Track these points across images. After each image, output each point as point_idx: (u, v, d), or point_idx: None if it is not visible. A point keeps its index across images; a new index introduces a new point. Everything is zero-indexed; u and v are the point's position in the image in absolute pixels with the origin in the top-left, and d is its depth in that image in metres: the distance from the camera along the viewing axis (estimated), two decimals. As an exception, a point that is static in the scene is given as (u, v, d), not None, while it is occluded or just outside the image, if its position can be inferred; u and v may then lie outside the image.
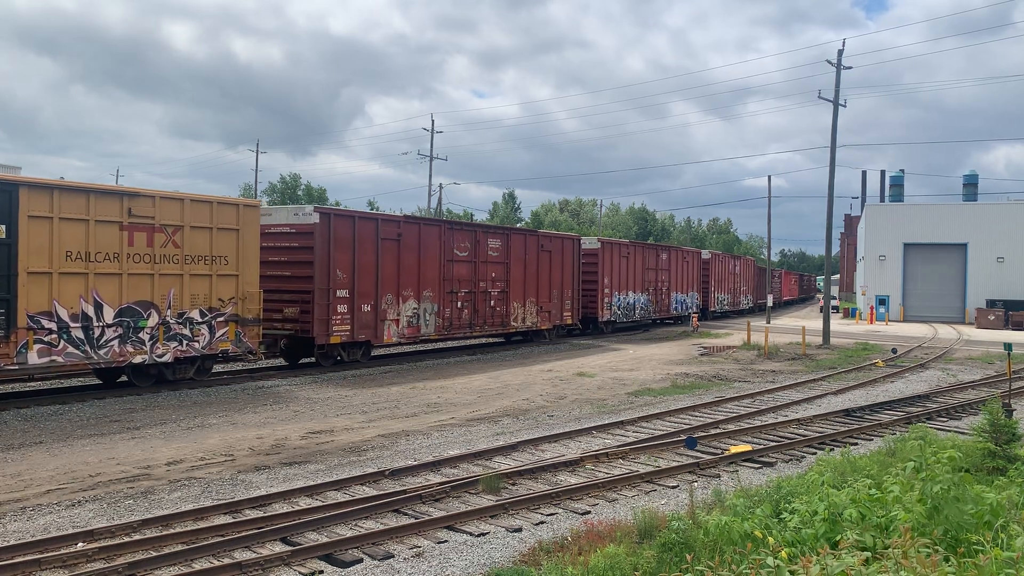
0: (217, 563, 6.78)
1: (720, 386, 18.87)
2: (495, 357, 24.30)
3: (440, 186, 67.80)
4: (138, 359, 15.00)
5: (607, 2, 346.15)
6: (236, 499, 8.64)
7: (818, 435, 12.63)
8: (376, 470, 9.98)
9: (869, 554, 4.89)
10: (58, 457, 10.73)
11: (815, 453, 11.57)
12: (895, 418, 14.26)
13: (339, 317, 19.33)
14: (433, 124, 54.44)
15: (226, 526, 7.74)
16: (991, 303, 47.61)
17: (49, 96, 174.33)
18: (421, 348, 25.90)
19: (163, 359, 15.42)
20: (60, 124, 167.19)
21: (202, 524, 7.81)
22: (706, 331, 36.25)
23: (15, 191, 13.24)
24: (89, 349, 14.18)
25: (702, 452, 11.51)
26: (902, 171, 65.05)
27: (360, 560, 7.10)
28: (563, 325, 29.23)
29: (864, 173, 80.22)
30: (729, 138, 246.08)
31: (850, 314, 55.87)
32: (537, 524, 8.21)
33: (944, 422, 14.29)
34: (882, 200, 65.63)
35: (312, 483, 9.32)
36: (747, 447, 11.63)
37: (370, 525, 7.96)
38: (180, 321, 15.58)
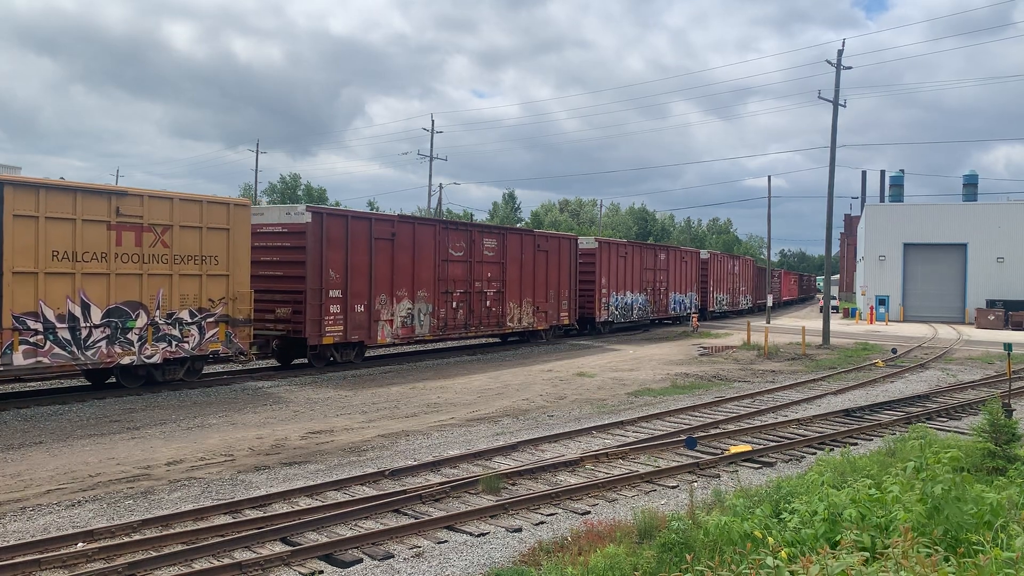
0: (217, 563, 6.78)
1: (720, 386, 18.87)
2: (495, 357, 24.29)
3: (440, 186, 67.86)
4: (126, 360, 14.86)
5: (607, 2, 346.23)
6: (236, 499, 8.64)
7: (818, 435, 12.63)
8: (376, 470, 9.98)
9: (869, 554, 4.89)
10: (58, 457, 10.73)
11: (815, 453, 11.57)
12: (895, 418, 14.26)
13: (332, 317, 19.21)
14: (433, 124, 54.51)
15: (226, 526, 7.74)
16: (991, 303, 47.61)
17: (49, 96, 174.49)
18: (420, 348, 25.89)
19: (152, 360, 15.28)
20: (60, 124, 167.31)
21: (202, 524, 7.81)
22: (706, 331, 36.24)
23: (0, 190, 13.19)
24: (76, 350, 14.03)
25: (702, 452, 11.51)
26: (902, 171, 65.09)
27: (360, 560, 7.11)
28: (560, 325, 29.14)
29: (864, 173, 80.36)
30: (729, 138, 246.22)
31: (850, 314, 55.87)
32: (537, 524, 8.21)
33: (944, 422, 14.29)
34: (882, 200, 65.64)
35: (312, 483, 9.32)
36: (747, 447, 11.63)
37: (370, 525, 7.96)
38: (169, 322, 15.42)
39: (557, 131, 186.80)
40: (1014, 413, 13.51)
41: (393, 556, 7.21)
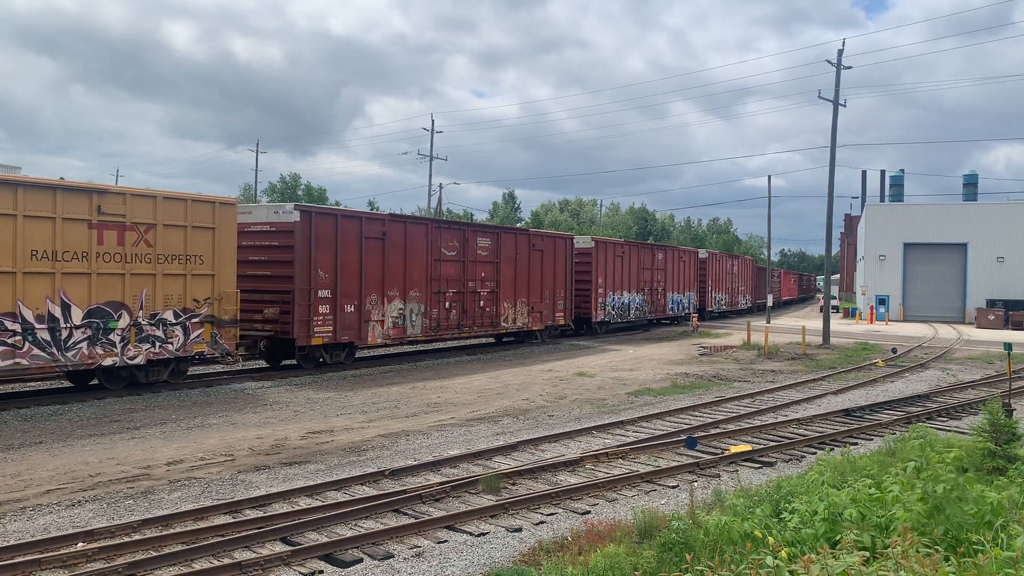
0: (217, 563, 6.78)
1: (720, 386, 18.87)
2: (495, 357, 24.28)
3: (440, 186, 67.81)
4: (108, 361, 14.61)
5: (607, 2, 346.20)
6: (236, 499, 8.63)
7: (818, 435, 12.63)
8: (376, 470, 9.98)
9: (869, 554, 4.89)
10: (58, 457, 10.73)
11: (815, 453, 11.56)
12: (895, 418, 14.26)
13: (321, 318, 19.00)
14: (433, 124, 54.50)
15: (226, 526, 7.73)
16: (991, 303, 47.63)
17: (49, 96, 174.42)
18: (420, 348, 25.86)
19: (135, 361, 15.05)
20: (60, 124, 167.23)
21: (202, 524, 7.81)
22: (706, 331, 36.25)
23: None
24: (56, 351, 13.77)
25: (702, 452, 11.51)
26: (902, 171, 65.13)
27: (360, 560, 7.10)
28: (555, 326, 28.94)
29: (864, 173, 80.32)
30: (729, 138, 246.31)
31: (850, 314, 55.87)
32: (537, 524, 8.21)
33: (944, 422, 14.29)
34: (882, 200, 65.64)
35: (312, 483, 9.32)
36: (747, 447, 11.63)
37: (370, 525, 7.96)
38: (153, 322, 15.19)
39: (557, 131, 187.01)
40: (1014, 413, 13.51)
41: (393, 556, 7.21)
